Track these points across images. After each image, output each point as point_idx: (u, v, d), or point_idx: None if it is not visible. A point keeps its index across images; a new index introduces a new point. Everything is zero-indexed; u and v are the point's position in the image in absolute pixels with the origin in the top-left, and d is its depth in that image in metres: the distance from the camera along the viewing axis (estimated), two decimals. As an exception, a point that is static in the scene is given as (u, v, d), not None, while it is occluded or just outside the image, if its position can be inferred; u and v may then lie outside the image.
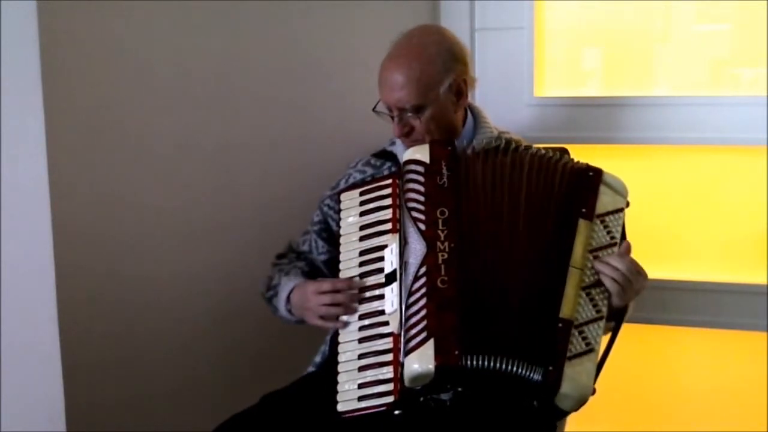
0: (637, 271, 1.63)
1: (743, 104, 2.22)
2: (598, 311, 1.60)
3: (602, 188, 1.69)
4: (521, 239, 1.63)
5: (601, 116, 2.33)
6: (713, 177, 2.32)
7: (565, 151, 1.78)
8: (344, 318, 1.70)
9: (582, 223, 1.64)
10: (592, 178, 1.70)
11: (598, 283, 1.61)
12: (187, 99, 2.08)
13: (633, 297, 1.65)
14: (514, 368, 1.53)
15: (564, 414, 1.59)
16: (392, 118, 1.81)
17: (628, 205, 1.72)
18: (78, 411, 1.79)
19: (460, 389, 1.58)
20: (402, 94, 1.77)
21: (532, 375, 1.53)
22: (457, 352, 1.53)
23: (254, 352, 2.24)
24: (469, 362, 1.53)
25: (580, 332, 1.57)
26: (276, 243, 2.05)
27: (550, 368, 1.53)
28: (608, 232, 1.66)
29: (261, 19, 2.17)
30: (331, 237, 1.93)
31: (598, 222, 1.66)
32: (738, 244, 2.31)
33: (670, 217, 2.36)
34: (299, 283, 1.84)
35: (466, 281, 1.58)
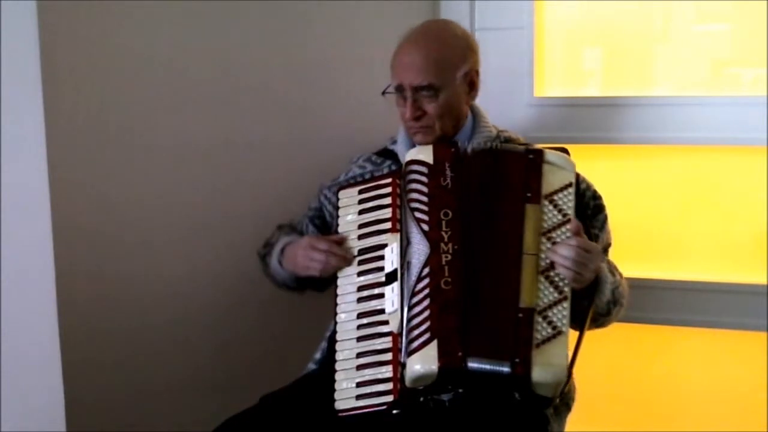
0: (586, 250, 1.62)
1: (743, 104, 2.22)
2: (560, 292, 1.60)
3: (545, 168, 1.68)
4: (502, 236, 1.64)
5: (601, 116, 2.33)
6: (713, 177, 2.32)
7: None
8: (342, 326, 1.70)
9: (529, 208, 1.64)
10: (533, 160, 1.69)
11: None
12: (187, 99, 2.08)
13: (591, 277, 1.64)
14: (489, 366, 1.54)
15: (548, 401, 1.59)
16: (404, 99, 1.79)
17: (578, 177, 1.72)
18: (78, 411, 1.80)
19: (460, 390, 1.58)
20: (420, 71, 1.76)
21: (502, 369, 1.54)
22: (460, 354, 1.53)
23: (254, 351, 2.24)
24: (471, 363, 1.53)
25: (545, 317, 1.57)
26: (276, 243, 2.05)
27: (517, 360, 1.53)
28: (559, 211, 1.66)
29: (261, 19, 2.17)
30: (324, 225, 1.94)
31: (547, 203, 1.66)
32: (738, 244, 2.30)
33: (670, 217, 2.36)
34: (297, 237, 1.86)
35: (469, 283, 1.59)
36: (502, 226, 1.64)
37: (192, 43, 2.07)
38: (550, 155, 1.70)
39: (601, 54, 2.44)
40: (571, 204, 1.67)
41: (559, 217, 1.65)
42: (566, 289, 1.60)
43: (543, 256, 1.61)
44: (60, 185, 1.73)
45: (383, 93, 1.82)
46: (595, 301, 1.70)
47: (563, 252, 1.60)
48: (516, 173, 1.68)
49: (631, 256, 2.25)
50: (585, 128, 2.35)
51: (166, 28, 2.03)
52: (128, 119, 1.99)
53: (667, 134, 2.28)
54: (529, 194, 1.65)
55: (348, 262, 1.73)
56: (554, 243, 1.62)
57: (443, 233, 1.62)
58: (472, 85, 1.83)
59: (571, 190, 1.68)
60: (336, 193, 1.83)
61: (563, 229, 1.64)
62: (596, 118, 2.34)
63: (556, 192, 1.67)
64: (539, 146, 1.79)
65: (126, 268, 2.03)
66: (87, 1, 1.88)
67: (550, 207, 1.65)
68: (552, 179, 1.68)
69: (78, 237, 1.90)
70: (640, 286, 2.21)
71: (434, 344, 1.54)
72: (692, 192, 2.34)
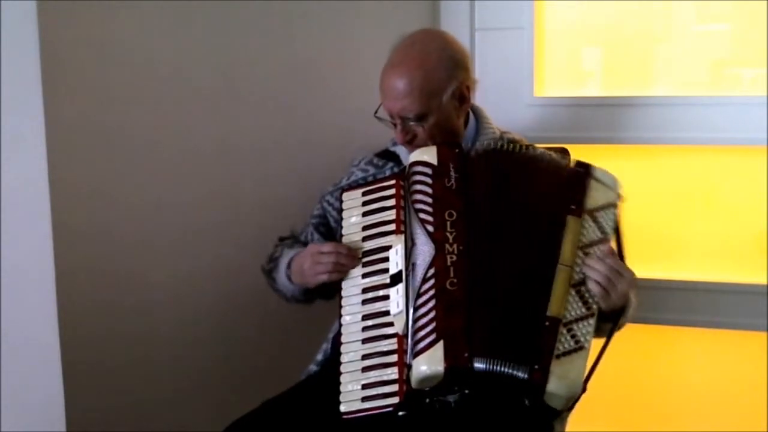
0: (617, 272, 1.61)
1: (743, 104, 2.22)
2: (588, 308, 1.59)
3: (592, 183, 1.68)
4: (522, 240, 1.63)
5: (602, 116, 2.33)
6: (713, 177, 2.32)
7: (564, 151, 1.78)
8: (347, 327, 1.69)
9: (571, 220, 1.64)
10: (581, 174, 1.69)
11: None
12: (186, 99, 2.08)
13: (617, 299, 1.63)
14: (504, 368, 1.53)
15: (557, 412, 1.59)
16: (394, 125, 1.80)
17: (621, 199, 1.71)
18: (78, 411, 1.80)
19: (466, 391, 1.58)
20: (405, 102, 1.75)
21: (518, 374, 1.53)
22: (466, 354, 1.53)
23: (255, 352, 2.23)
24: (477, 364, 1.53)
25: (569, 330, 1.57)
26: (276, 244, 2.05)
27: (536, 367, 1.53)
28: (599, 228, 1.66)
29: (261, 20, 2.17)
30: (329, 232, 1.94)
31: (588, 218, 1.65)
32: (738, 244, 2.30)
33: (670, 217, 2.36)
34: (302, 249, 1.85)
35: (475, 283, 1.58)
36: (532, 231, 1.64)
37: (193, 44, 2.07)
38: (599, 172, 1.70)
39: (601, 54, 2.44)
40: (611, 223, 1.67)
41: (599, 233, 1.65)
42: (595, 306, 1.60)
43: (577, 269, 1.61)
44: (60, 185, 1.73)
45: (375, 114, 1.82)
46: (619, 324, 1.69)
47: (596, 266, 1.60)
48: (555, 182, 1.68)
49: (631, 256, 2.25)
50: (585, 128, 2.35)
51: (166, 28, 2.03)
52: (128, 119, 1.99)
53: (667, 134, 2.28)
54: (572, 206, 1.64)
55: (356, 261, 1.72)
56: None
57: (448, 234, 1.61)
58: (462, 99, 1.81)
59: (614, 210, 1.68)
60: (339, 196, 1.82)
61: (601, 246, 1.63)
62: (596, 118, 2.34)
63: (599, 209, 1.67)
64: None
65: (126, 268, 2.03)
66: (87, 1, 1.88)
67: (591, 222, 1.65)
68: (597, 196, 1.67)
69: (78, 237, 1.89)
70: (640, 286, 2.21)
71: (440, 345, 1.53)
72: (692, 192, 2.34)
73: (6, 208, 1.60)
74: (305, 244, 1.97)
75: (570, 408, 1.74)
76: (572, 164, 1.72)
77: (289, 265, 1.86)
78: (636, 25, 2.34)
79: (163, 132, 2.05)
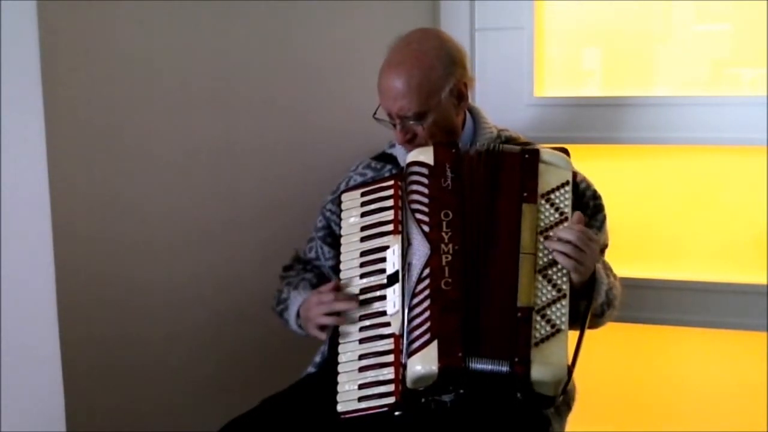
0: (588, 238, 1.62)
1: (743, 104, 2.22)
2: (558, 290, 1.60)
3: (542, 167, 1.68)
4: (501, 236, 1.64)
5: (601, 116, 2.33)
6: (713, 177, 2.32)
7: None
8: (344, 328, 1.69)
9: (526, 207, 1.64)
10: (528, 160, 1.69)
11: (554, 263, 1.61)
12: (187, 101, 2.08)
13: (592, 267, 1.64)
14: (488, 366, 1.54)
15: (550, 400, 1.59)
16: (393, 125, 1.80)
17: (575, 175, 1.72)
18: (78, 413, 1.80)
19: (461, 391, 1.58)
20: (404, 102, 1.75)
21: (501, 369, 1.54)
22: (460, 354, 1.54)
23: (254, 355, 2.23)
24: (471, 364, 1.54)
25: (543, 315, 1.58)
26: (277, 247, 2.05)
27: (516, 359, 1.54)
28: (556, 209, 1.66)
29: (260, 21, 2.17)
30: (336, 241, 1.92)
31: (544, 202, 1.66)
32: (738, 244, 2.30)
33: (670, 217, 2.36)
34: (307, 297, 1.84)
35: (470, 283, 1.59)
36: (500, 226, 1.64)
37: (192, 44, 2.07)
38: (546, 154, 1.71)
39: (601, 54, 2.44)
40: (569, 202, 1.67)
41: (557, 215, 1.65)
42: (564, 287, 1.61)
43: (541, 254, 1.62)
44: (60, 185, 1.73)
45: (374, 116, 1.82)
46: (592, 301, 1.70)
47: (564, 235, 1.61)
48: (512, 173, 1.68)
49: (631, 256, 2.25)
50: (585, 128, 2.35)
51: (166, 28, 2.03)
52: (128, 120, 1.99)
53: (667, 134, 2.28)
54: (525, 194, 1.65)
55: (353, 303, 1.69)
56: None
57: (443, 234, 1.62)
58: (460, 96, 1.81)
59: (568, 188, 1.68)
60: (338, 200, 1.82)
61: (561, 227, 1.64)
62: (596, 118, 2.34)
63: (552, 191, 1.67)
64: (540, 146, 1.79)
65: (126, 268, 2.03)
66: (87, 1, 1.88)
67: (547, 206, 1.66)
68: (549, 178, 1.68)
69: (78, 237, 1.89)
70: (640, 286, 2.22)
71: (434, 345, 1.54)
72: (692, 192, 2.34)
73: (6, 208, 1.60)
74: (308, 266, 1.97)
75: (565, 397, 1.75)
76: (517, 152, 1.71)
77: (298, 314, 1.84)
78: (636, 25, 2.34)
79: (163, 132, 2.05)
